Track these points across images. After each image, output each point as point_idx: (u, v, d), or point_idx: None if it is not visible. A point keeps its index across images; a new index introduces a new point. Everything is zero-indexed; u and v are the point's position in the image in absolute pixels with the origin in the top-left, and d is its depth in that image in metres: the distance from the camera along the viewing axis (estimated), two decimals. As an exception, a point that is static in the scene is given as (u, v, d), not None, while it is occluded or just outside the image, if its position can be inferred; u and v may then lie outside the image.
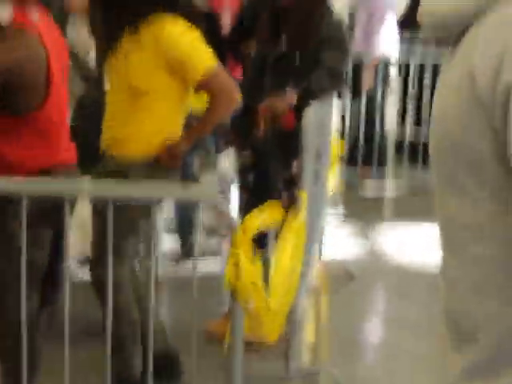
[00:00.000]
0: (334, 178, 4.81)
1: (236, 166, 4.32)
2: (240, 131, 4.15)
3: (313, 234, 4.01)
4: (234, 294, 2.76)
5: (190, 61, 3.36)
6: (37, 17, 3.20)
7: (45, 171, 3.10)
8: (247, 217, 2.80)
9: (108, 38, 3.54)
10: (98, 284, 3.34)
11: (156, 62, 3.36)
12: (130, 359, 3.45)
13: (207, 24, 4.32)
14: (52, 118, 3.21)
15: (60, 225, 2.99)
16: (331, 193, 4.82)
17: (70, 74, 3.84)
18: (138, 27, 3.36)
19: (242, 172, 4.25)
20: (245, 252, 2.70)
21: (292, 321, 3.83)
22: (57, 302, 3.33)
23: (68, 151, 3.33)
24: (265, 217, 2.96)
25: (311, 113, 3.67)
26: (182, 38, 3.38)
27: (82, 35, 4.65)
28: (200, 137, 3.60)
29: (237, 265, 2.71)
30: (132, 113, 3.47)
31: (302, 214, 3.70)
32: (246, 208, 4.03)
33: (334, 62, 3.94)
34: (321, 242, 4.78)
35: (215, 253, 5.23)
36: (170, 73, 3.37)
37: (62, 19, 4.54)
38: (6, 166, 3.10)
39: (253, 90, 4.02)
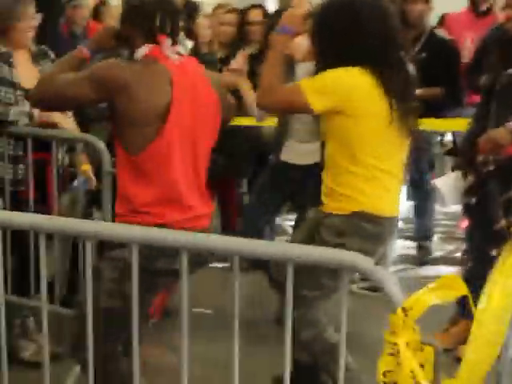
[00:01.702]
0: None
1: (461, 189, 4.31)
2: (465, 156, 4.26)
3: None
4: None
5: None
6: (176, 58, 2.99)
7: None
8: (413, 296, 2.20)
9: None
10: None
11: None
12: None
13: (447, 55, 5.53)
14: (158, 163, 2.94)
15: None
16: None
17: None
18: None
19: (466, 194, 4.27)
20: (407, 340, 2.13)
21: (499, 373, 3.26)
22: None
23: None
24: (439, 293, 2.31)
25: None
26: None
27: None
28: None
29: (394, 355, 2.14)
30: None
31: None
32: (469, 233, 4.46)
33: None
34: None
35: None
36: None
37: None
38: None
39: (480, 117, 4.17)
